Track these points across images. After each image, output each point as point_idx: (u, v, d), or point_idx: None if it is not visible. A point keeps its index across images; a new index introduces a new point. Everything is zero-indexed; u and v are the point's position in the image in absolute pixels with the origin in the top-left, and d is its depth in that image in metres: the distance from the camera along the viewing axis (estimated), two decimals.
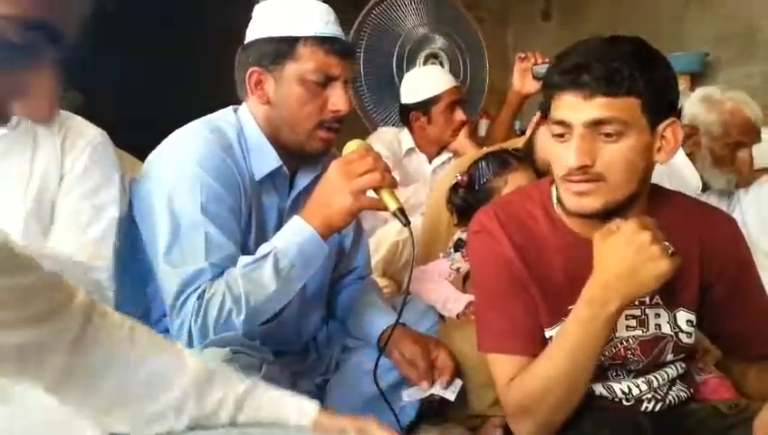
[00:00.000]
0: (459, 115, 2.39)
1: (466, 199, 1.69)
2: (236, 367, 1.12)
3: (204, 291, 1.17)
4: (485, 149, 1.95)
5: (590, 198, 1.02)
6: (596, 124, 0.99)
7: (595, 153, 1.00)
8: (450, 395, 1.31)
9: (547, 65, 2.25)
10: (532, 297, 1.10)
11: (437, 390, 1.32)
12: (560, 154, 1.04)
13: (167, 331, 1.25)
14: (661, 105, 1.02)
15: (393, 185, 1.21)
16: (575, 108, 1.00)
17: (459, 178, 1.71)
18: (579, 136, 1.00)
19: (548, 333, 1.12)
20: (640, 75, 0.98)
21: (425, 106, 2.39)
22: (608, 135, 1.00)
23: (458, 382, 1.33)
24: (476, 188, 1.67)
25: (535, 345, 1.08)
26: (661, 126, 1.03)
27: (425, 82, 2.44)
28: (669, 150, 1.04)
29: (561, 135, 1.03)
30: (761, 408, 1.01)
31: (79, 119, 1.25)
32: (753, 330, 1.15)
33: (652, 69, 1.00)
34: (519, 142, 1.98)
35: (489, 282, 1.14)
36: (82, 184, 1.18)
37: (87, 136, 1.22)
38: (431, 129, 2.40)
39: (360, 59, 2.65)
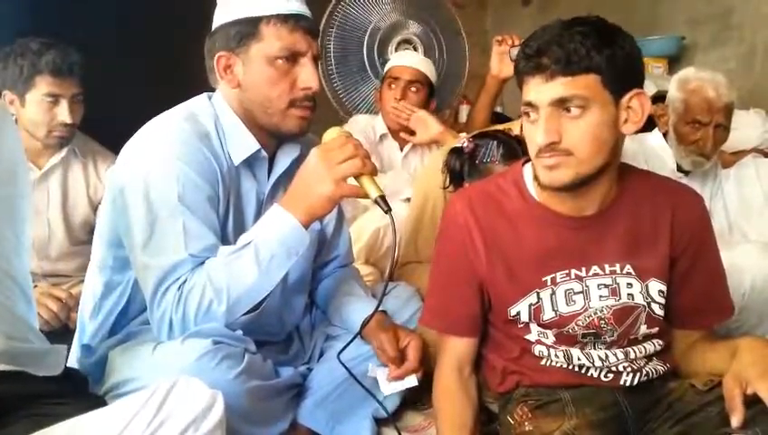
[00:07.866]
0: (394, 94, 2.39)
1: (462, 168, 1.66)
2: (218, 357, 1.12)
3: (184, 282, 1.16)
4: (493, 128, 1.94)
5: (560, 171, 1.09)
6: (559, 103, 1.06)
7: (561, 130, 1.07)
8: (387, 389, 1.33)
9: None
10: (482, 289, 1.22)
11: (381, 378, 1.33)
12: (531, 135, 1.11)
13: (146, 324, 1.24)
14: (623, 79, 1.07)
15: (374, 172, 1.21)
16: (539, 90, 1.07)
17: (467, 144, 1.67)
18: (544, 115, 1.07)
19: (513, 310, 1.18)
20: (597, 53, 1.04)
21: (381, 84, 2.51)
22: (571, 112, 1.06)
23: (407, 382, 1.33)
24: (477, 162, 1.63)
25: (469, 330, 1.25)
26: (625, 98, 1.08)
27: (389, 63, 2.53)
28: (637, 121, 1.10)
29: (531, 116, 1.10)
30: None
31: None
32: (704, 304, 1.22)
33: (610, 45, 1.06)
34: (515, 126, 1.96)
35: (446, 269, 1.26)
36: None
37: None
38: (381, 106, 2.48)
39: (330, 47, 2.69)
